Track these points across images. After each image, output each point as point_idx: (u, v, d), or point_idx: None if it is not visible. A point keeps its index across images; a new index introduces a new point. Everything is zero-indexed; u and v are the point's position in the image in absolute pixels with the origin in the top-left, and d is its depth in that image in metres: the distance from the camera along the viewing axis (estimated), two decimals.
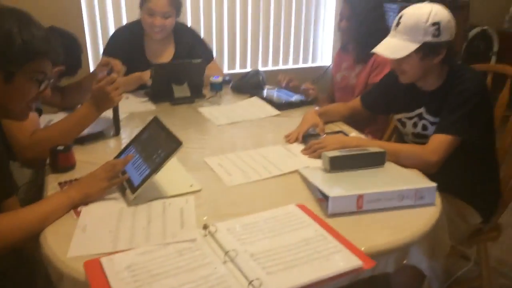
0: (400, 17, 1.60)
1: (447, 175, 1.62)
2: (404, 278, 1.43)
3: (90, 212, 1.22)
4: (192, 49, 2.48)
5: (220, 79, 2.31)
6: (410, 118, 1.77)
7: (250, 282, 0.93)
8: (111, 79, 1.70)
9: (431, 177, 1.45)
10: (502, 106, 1.84)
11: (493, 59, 4.06)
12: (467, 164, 1.68)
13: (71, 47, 1.98)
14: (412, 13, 1.57)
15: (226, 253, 1.02)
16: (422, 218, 1.22)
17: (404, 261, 1.15)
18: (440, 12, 1.55)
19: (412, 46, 1.56)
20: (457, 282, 1.92)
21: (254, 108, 2.10)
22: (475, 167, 1.71)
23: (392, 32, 1.63)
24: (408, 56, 1.57)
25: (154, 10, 2.27)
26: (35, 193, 1.44)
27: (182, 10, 2.42)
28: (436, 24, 1.54)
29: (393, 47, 1.61)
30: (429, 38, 1.54)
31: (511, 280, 2.14)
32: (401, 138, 1.88)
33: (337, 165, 1.41)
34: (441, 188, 1.68)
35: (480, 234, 1.76)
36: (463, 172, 1.70)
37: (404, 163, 1.51)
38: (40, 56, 1.20)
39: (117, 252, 1.05)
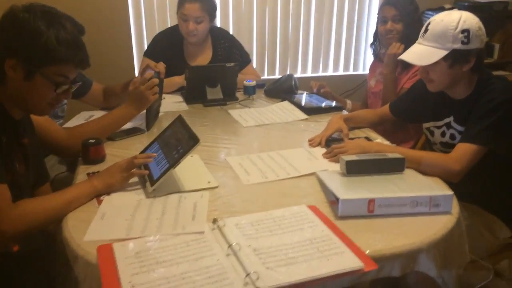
0: (428, 24, 1.58)
1: (474, 186, 1.58)
2: (413, 283, 1.40)
3: (111, 201, 1.30)
4: (229, 52, 2.55)
5: (253, 83, 2.37)
6: (439, 127, 1.74)
7: (248, 275, 0.96)
8: (143, 79, 1.79)
9: (457, 187, 1.41)
10: None
11: None
12: (496, 175, 1.63)
13: None
14: (440, 20, 1.55)
15: (230, 246, 1.06)
16: (434, 226, 1.20)
17: (412, 267, 1.14)
18: (470, 20, 1.52)
19: (441, 53, 1.53)
20: None
21: (283, 111, 2.13)
22: (505, 178, 1.65)
23: (419, 39, 1.61)
24: (437, 63, 1.55)
25: (187, 15, 2.35)
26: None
27: (216, 14, 2.48)
28: (465, 31, 1.51)
29: (421, 54, 1.59)
30: (458, 45, 1.52)
31: None
32: (431, 147, 1.85)
33: (353, 169, 1.41)
34: (468, 200, 1.65)
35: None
36: (491, 183, 1.66)
37: (426, 171, 1.48)
38: (63, 61, 1.22)
39: (129, 239, 1.11)
